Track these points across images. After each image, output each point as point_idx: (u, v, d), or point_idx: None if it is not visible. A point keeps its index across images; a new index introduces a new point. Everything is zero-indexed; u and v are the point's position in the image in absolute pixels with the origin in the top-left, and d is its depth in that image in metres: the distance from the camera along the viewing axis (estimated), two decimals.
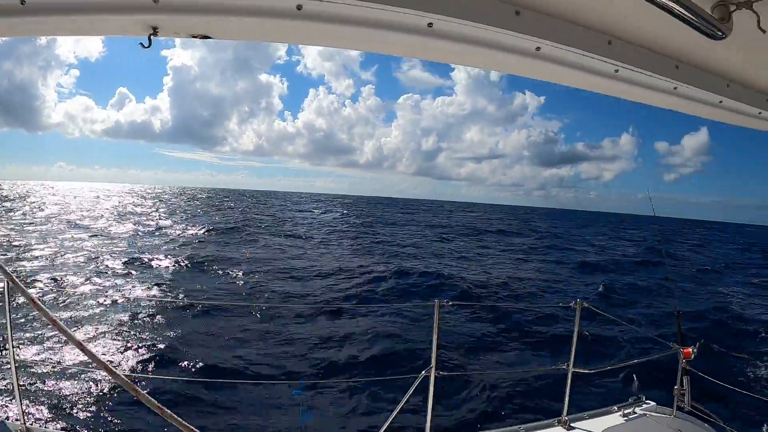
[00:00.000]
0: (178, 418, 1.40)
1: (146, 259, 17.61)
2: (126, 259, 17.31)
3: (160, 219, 39.75)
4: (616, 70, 1.29)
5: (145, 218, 39.89)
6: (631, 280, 19.30)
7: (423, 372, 2.90)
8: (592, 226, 75.03)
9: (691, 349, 3.45)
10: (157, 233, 28.41)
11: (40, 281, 13.19)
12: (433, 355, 2.95)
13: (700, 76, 1.46)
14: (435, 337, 2.92)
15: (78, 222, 33.10)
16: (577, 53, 1.17)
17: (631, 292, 16.85)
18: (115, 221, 35.54)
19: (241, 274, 15.92)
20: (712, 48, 1.33)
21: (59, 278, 13.70)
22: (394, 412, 2.99)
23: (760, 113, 1.70)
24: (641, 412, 3.54)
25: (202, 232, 29.49)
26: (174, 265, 16.80)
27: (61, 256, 17.64)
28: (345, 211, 69.70)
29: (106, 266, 16.04)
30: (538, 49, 1.13)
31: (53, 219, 34.45)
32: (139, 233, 27.85)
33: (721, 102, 1.57)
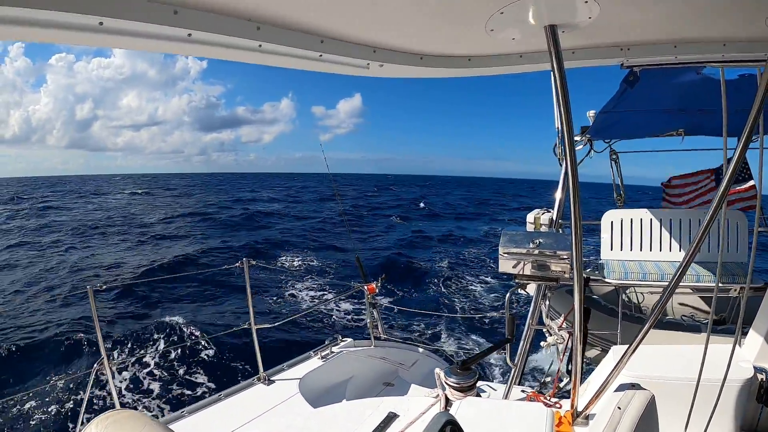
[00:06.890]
0: None
1: None
2: None
3: None
4: (189, 34, 1.37)
5: None
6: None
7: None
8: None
9: (374, 285, 3.60)
10: None
11: None
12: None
13: (287, 35, 1.55)
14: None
15: None
16: (142, 24, 1.27)
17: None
18: None
19: None
20: (297, 8, 1.42)
21: None
22: None
23: (368, 65, 1.89)
24: (338, 351, 3.63)
25: None
26: None
27: None
28: None
29: None
30: (101, 24, 1.21)
31: None
32: None
33: (321, 56, 1.70)
